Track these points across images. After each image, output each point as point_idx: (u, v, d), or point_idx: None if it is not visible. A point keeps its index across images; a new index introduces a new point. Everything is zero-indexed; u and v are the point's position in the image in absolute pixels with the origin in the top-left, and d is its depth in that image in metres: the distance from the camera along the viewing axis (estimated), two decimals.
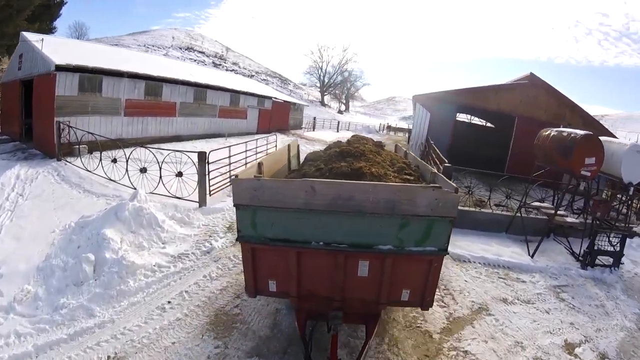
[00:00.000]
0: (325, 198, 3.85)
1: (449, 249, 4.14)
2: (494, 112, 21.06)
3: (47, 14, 36.38)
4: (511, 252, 8.56)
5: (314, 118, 42.09)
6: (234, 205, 4.06)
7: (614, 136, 15.83)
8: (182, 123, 20.77)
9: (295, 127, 38.46)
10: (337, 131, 44.58)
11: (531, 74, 20.60)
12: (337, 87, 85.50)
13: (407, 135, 53.25)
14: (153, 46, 73.07)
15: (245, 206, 4.02)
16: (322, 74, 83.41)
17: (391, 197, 3.83)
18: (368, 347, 4.42)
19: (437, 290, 5.55)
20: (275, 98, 32.29)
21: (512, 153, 20.99)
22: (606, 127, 20.99)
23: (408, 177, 5.57)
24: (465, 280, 7.26)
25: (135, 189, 9.63)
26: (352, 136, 8.01)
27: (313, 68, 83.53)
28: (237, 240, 4.21)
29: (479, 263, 8.03)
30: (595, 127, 19.76)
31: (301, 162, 7.50)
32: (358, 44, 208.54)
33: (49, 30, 33.36)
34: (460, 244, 8.62)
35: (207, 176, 9.97)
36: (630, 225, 9.92)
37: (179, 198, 9.87)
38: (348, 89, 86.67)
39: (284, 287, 4.37)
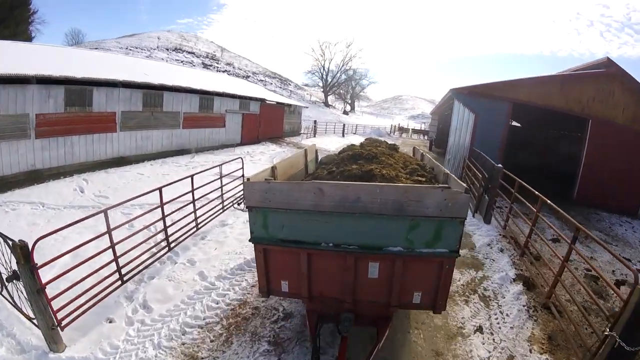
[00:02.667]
0: (333, 200, 3.87)
1: None
2: (560, 113, 15.17)
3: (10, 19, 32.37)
4: None
5: (315, 122, 36.36)
6: (246, 208, 4.15)
7: None
8: (126, 140, 15.49)
9: (293, 133, 32.92)
10: (343, 136, 38.91)
11: (608, 59, 14.59)
12: (342, 86, 79.73)
13: (424, 138, 47.45)
14: (137, 48, 68.10)
15: (256, 208, 4.11)
16: (324, 73, 77.80)
17: (398, 198, 3.79)
18: (377, 350, 4.26)
19: None
20: (265, 99, 26.73)
21: (585, 168, 15.10)
22: None
23: (420, 178, 5.54)
24: None
25: None
26: (366, 139, 8.33)
27: (315, 67, 77.91)
28: (250, 240, 4.26)
29: None
30: None
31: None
32: (362, 41, 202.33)
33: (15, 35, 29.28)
34: None
35: (41, 294, 4.43)
36: None
37: (32, 319, 4.72)
38: (353, 88, 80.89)
39: (295, 288, 4.39)
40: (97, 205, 10.29)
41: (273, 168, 5.39)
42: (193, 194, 8.19)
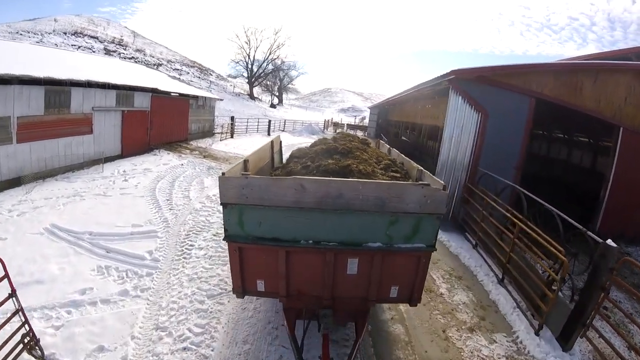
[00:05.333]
0: (315, 196, 3.85)
1: None
2: (586, 116, 11.11)
3: None
4: None
5: (232, 118, 29.88)
6: (221, 204, 4.00)
7: None
8: None
9: (204, 134, 26.39)
10: (269, 134, 33.14)
11: None
12: (268, 77, 73.29)
13: (363, 134, 42.65)
14: (29, 32, 56.49)
15: (232, 205, 3.98)
16: (250, 62, 70.62)
17: (380, 194, 3.85)
18: (359, 345, 4.35)
19: None
20: (159, 90, 19.74)
21: (613, 189, 11.33)
22: None
23: (395, 174, 5.53)
24: None
25: None
26: (338, 133, 8.52)
27: (240, 55, 70.44)
28: (223, 239, 4.15)
29: None
30: None
31: (286, 159, 7.24)
32: (290, 30, 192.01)
33: None
34: None
35: None
36: None
37: None
38: (281, 79, 74.85)
39: (272, 287, 4.35)
40: None
41: (245, 161, 5.23)
42: None
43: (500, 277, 7.39)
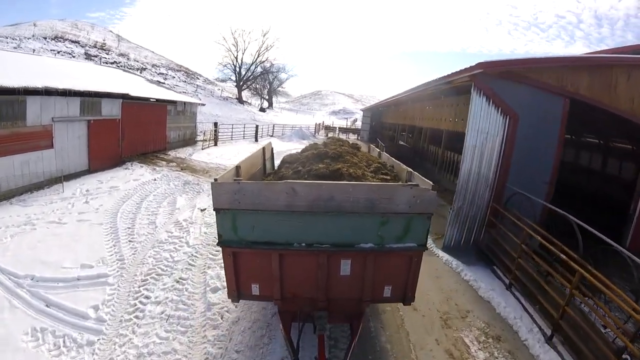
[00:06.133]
0: (306, 199, 3.84)
1: None
2: (615, 118, 9.49)
3: None
4: None
5: (215, 124, 27.72)
6: (214, 210, 3.99)
7: None
8: None
9: (185, 143, 24.48)
10: (256, 140, 31.35)
11: None
12: (257, 80, 71.28)
13: (356, 138, 40.64)
14: (7, 37, 54.58)
15: (225, 210, 3.97)
16: (238, 65, 68.54)
17: (370, 196, 3.86)
18: (354, 346, 4.30)
19: None
20: (129, 96, 17.66)
21: None
22: None
23: (385, 176, 5.59)
24: None
25: None
26: (328, 138, 8.68)
27: (228, 59, 68.32)
28: (217, 244, 4.13)
29: None
30: None
31: (277, 165, 7.29)
32: (279, 31, 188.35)
33: None
34: None
35: None
36: None
37: None
38: (271, 82, 72.92)
39: (267, 290, 4.32)
40: None
41: (237, 167, 5.21)
42: None
43: (549, 334, 5.71)
